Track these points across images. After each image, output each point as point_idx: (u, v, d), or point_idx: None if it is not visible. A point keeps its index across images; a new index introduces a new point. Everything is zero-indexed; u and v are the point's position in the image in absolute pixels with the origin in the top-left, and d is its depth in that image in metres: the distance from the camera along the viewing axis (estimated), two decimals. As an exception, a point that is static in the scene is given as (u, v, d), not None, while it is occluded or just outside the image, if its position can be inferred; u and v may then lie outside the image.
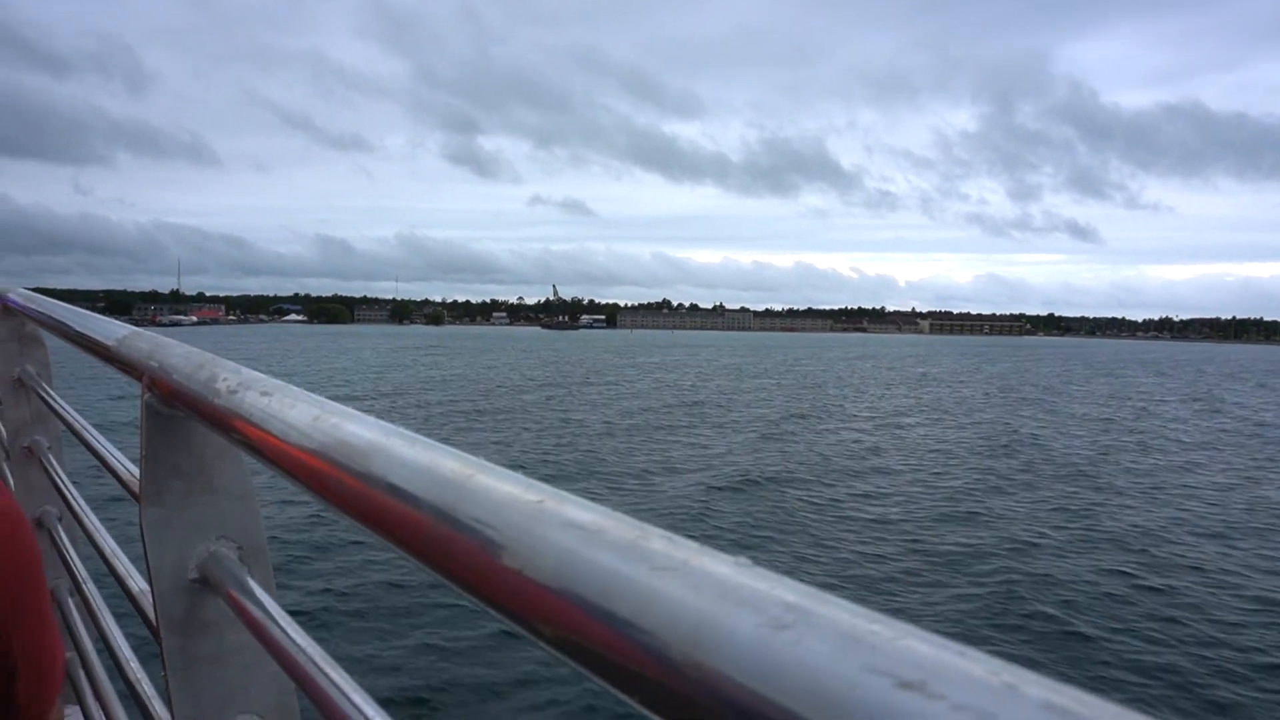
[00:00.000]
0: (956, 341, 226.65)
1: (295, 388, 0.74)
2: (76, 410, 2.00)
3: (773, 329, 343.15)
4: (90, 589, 1.89)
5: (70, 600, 2.11)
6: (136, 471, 1.09)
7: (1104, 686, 7.97)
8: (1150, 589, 10.94)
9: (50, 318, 1.90)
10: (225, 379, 0.82)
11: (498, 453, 20.15)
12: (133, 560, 1.40)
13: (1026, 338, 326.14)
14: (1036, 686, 0.24)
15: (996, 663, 0.25)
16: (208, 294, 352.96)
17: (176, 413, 0.99)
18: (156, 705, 1.32)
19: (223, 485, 1.04)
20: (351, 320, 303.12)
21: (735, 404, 34.74)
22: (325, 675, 0.73)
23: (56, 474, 2.18)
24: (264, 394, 0.74)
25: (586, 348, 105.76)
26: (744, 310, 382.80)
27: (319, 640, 0.79)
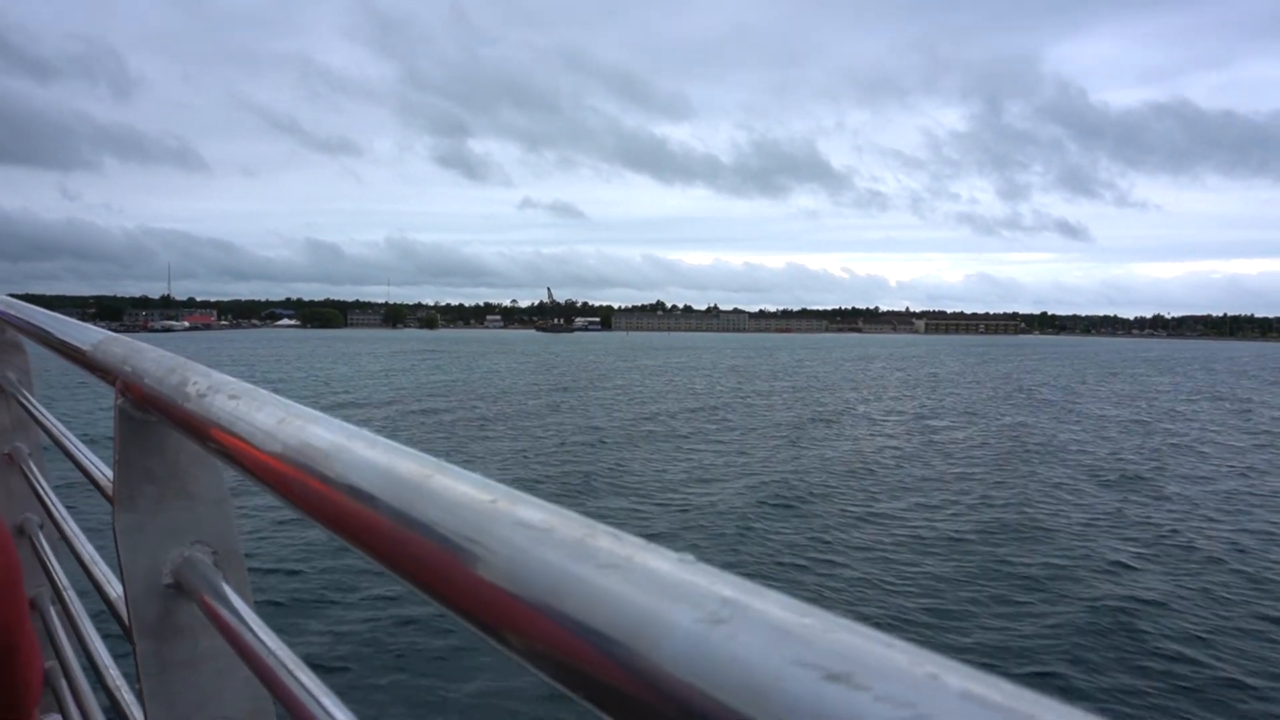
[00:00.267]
0: (953, 341, 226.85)
1: (264, 390, 0.73)
2: (56, 417, 2.02)
3: (768, 330, 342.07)
4: (71, 596, 1.88)
5: (51, 608, 2.08)
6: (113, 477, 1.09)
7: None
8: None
9: (29, 324, 1.88)
10: (196, 383, 0.82)
11: (522, 468, 19.07)
12: (111, 567, 1.39)
13: (1022, 336, 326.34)
14: (958, 676, 0.24)
15: (923, 654, 0.25)
16: (198, 299, 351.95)
17: (149, 417, 0.98)
18: (136, 712, 1.29)
19: (197, 490, 1.03)
20: (345, 324, 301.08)
21: (755, 408, 33.84)
22: (297, 680, 0.73)
23: (37, 481, 2.17)
24: (232, 397, 0.73)
25: (585, 350, 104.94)
26: (738, 311, 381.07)
27: (292, 645, 0.78)
